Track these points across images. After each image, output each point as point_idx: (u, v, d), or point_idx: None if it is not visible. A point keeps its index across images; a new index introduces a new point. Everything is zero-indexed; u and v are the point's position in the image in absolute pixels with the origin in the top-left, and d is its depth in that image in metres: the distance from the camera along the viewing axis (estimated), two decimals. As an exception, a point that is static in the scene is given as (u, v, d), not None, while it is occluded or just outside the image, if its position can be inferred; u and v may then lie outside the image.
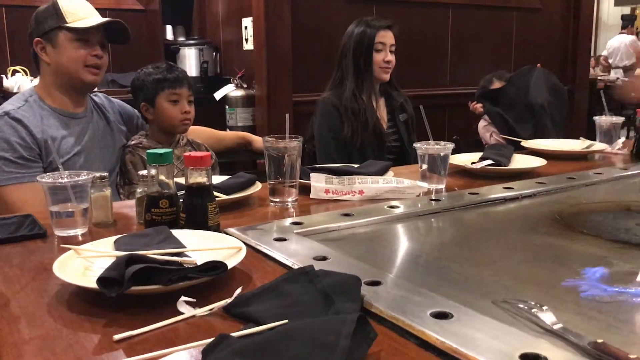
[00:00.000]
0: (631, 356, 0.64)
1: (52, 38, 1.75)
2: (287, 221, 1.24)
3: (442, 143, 1.55)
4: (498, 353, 0.67)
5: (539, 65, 3.17)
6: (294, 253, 1.02)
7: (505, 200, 1.47)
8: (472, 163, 1.76)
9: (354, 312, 0.71)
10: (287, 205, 1.38)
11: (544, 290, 0.94)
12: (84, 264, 0.95)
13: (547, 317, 0.75)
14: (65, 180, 1.15)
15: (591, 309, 0.84)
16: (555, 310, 0.77)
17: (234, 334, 0.68)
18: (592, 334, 0.72)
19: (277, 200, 1.39)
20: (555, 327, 0.73)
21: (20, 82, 3.73)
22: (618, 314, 0.84)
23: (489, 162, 1.74)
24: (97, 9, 1.84)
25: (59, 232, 1.16)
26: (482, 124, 3.22)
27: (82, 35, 1.75)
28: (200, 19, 4.65)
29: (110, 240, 1.03)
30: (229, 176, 1.51)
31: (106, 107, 1.95)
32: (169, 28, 4.70)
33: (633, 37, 8.90)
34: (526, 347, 0.67)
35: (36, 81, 1.93)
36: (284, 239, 1.10)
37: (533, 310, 0.78)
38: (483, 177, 1.69)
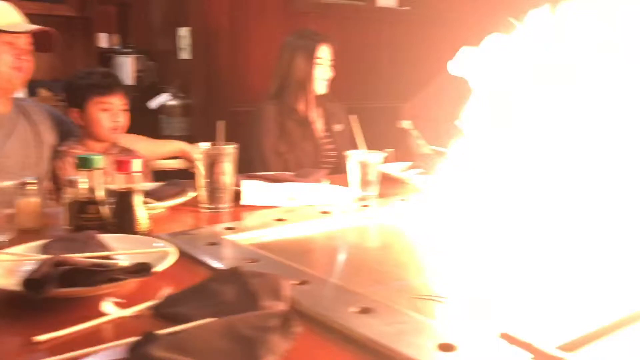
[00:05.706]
0: (534, 345, 0.69)
1: (-23, 40, 1.70)
2: (220, 227, 1.24)
3: (374, 152, 1.60)
4: (416, 344, 0.71)
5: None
6: (224, 257, 1.03)
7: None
8: (402, 172, 1.83)
9: (279, 308, 0.73)
10: (220, 211, 1.39)
11: (457, 285, 0.99)
12: (7, 267, 0.93)
13: (459, 309, 0.80)
14: (-11, 184, 1.13)
15: (502, 300, 0.90)
16: (465, 303, 0.82)
17: (160, 332, 0.69)
18: (502, 323, 0.77)
19: (211, 206, 1.40)
20: (467, 318, 0.78)
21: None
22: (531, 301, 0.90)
23: (418, 170, 1.81)
24: (29, 14, 1.82)
25: (-19, 238, 1.12)
26: (413, 136, 3.32)
27: (9, 38, 1.72)
28: (136, 28, 4.58)
29: (37, 244, 1.02)
30: (163, 183, 1.51)
31: (34, 112, 1.90)
32: (103, 36, 4.60)
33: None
34: (442, 338, 0.71)
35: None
36: (215, 244, 1.11)
37: (448, 304, 0.82)
38: (412, 184, 1.76)
